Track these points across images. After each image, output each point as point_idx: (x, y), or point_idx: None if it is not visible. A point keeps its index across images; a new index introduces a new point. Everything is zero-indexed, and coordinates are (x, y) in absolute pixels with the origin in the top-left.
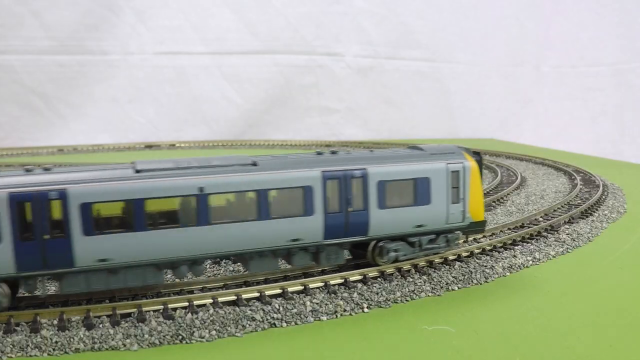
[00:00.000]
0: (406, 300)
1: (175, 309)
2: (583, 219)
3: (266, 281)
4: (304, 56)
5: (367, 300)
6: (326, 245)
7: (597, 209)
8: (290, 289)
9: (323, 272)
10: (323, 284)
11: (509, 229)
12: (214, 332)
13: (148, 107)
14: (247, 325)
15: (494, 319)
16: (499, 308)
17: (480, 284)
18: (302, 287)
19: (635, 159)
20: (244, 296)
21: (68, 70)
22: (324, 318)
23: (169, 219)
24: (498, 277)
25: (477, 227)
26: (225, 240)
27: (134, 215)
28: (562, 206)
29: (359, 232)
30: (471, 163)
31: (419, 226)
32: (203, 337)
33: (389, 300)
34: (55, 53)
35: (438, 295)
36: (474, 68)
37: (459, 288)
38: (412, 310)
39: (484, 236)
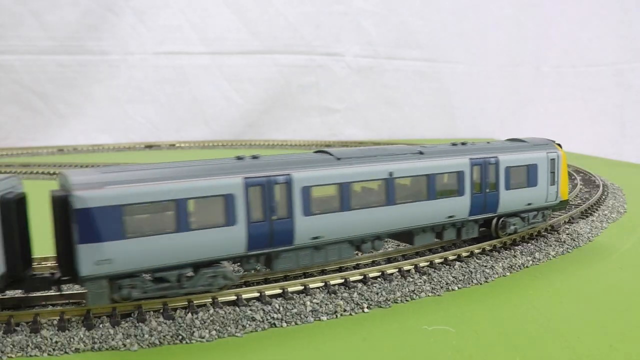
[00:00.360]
0: (406, 300)
1: (175, 309)
2: (583, 219)
3: (266, 281)
4: (304, 56)
5: (367, 300)
6: (468, 221)
7: (597, 209)
8: (290, 289)
9: (323, 272)
10: (323, 284)
11: None
12: (214, 332)
13: (148, 107)
14: (247, 325)
15: (494, 319)
16: (499, 308)
17: (480, 284)
18: (302, 287)
19: (635, 159)
20: (244, 296)
21: (68, 70)
22: (324, 318)
23: (366, 200)
24: (498, 277)
25: (563, 204)
26: (405, 218)
27: (341, 197)
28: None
29: (491, 209)
30: (561, 152)
31: (529, 204)
32: (203, 337)
33: (389, 300)
34: (55, 53)
35: (438, 295)
36: (474, 68)
37: (459, 288)
38: (412, 310)
39: (484, 236)
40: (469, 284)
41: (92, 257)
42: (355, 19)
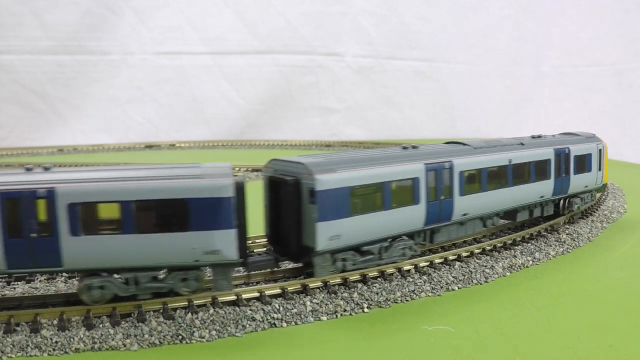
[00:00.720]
0: (406, 300)
1: (175, 309)
2: (583, 219)
3: (266, 281)
4: (304, 56)
5: (367, 300)
6: (550, 200)
7: (597, 209)
8: (290, 289)
9: None
10: (323, 284)
11: (509, 228)
12: (214, 332)
13: (148, 107)
14: (247, 325)
15: (494, 319)
16: (499, 308)
17: (480, 284)
18: (302, 287)
19: (635, 159)
20: (244, 296)
21: (68, 70)
22: (324, 318)
23: (495, 182)
24: (498, 277)
25: (604, 187)
26: (517, 197)
27: (481, 180)
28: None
29: (565, 191)
30: (605, 144)
31: (586, 186)
32: (203, 337)
33: (389, 300)
34: (55, 53)
35: (438, 295)
36: (474, 68)
37: (459, 288)
38: (412, 310)
39: (484, 236)
40: (469, 284)
41: (326, 234)
42: (355, 19)
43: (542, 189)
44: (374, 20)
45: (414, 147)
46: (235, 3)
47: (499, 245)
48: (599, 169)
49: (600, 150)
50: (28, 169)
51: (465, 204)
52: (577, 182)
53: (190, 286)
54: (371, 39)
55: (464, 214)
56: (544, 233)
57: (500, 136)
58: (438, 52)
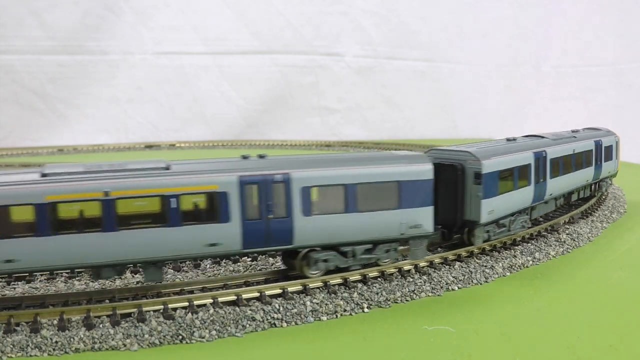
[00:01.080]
0: (406, 300)
1: (175, 309)
2: (583, 219)
3: (266, 281)
4: (304, 56)
5: (367, 300)
6: (590, 184)
7: (597, 209)
8: (290, 289)
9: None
10: (323, 284)
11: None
12: (214, 332)
13: (148, 107)
14: (247, 325)
15: (494, 319)
16: (499, 308)
17: (480, 284)
18: (302, 287)
19: (635, 159)
20: (244, 296)
21: (68, 70)
22: (324, 318)
23: (566, 168)
24: (498, 277)
25: (616, 174)
26: (576, 181)
27: (560, 166)
28: (562, 206)
29: (598, 177)
30: (619, 137)
31: (609, 172)
32: (203, 337)
33: (389, 300)
34: (55, 53)
35: (438, 295)
36: (474, 68)
37: (459, 288)
38: (412, 310)
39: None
40: (469, 284)
41: (487, 209)
42: (355, 19)
43: (588, 174)
44: (374, 20)
45: (514, 139)
46: (235, 3)
47: (499, 245)
48: (616, 158)
49: (617, 142)
50: (261, 156)
51: (552, 186)
52: (605, 168)
53: (391, 256)
54: (371, 39)
55: (550, 194)
56: (544, 233)
57: (500, 136)
58: (438, 52)
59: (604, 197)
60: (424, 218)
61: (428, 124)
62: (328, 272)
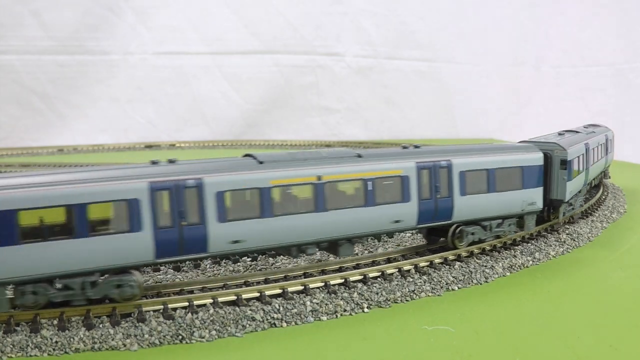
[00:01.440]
0: (406, 300)
1: (175, 309)
2: (583, 219)
3: (266, 281)
4: (304, 56)
5: (367, 300)
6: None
7: (597, 209)
8: (290, 289)
9: (323, 272)
10: (323, 284)
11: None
12: (214, 332)
13: (148, 107)
14: (247, 325)
15: (494, 319)
16: (499, 308)
17: (480, 284)
18: (302, 287)
19: (635, 159)
20: (244, 296)
21: (68, 70)
22: (324, 318)
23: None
24: (498, 277)
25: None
26: (595, 173)
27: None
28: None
29: (606, 165)
30: (612, 131)
31: (610, 162)
32: (203, 337)
33: (389, 300)
34: (55, 53)
35: (438, 295)
36: (474, 68)
37: (459, 288)
38: (412, 310)
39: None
40: (469, 284)
41: (570, 190)
42: (355, 19)
43: (606, 162)
44: (374, 20)
45: (576, 131)
46: (235, 3)
47: (499, 245)
48: (612, 151)
49: (613, 136)
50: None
51: (591, 173)
52: (610, 158)
53: (512, 229)
54: (371, 39)
55: (592, 179)
56: (544, 233)
57: (500, 136)
58: (438, 52)
59: (603, 197)
60: (537, 197)
61: (428, 123)
62: (471, 244)
